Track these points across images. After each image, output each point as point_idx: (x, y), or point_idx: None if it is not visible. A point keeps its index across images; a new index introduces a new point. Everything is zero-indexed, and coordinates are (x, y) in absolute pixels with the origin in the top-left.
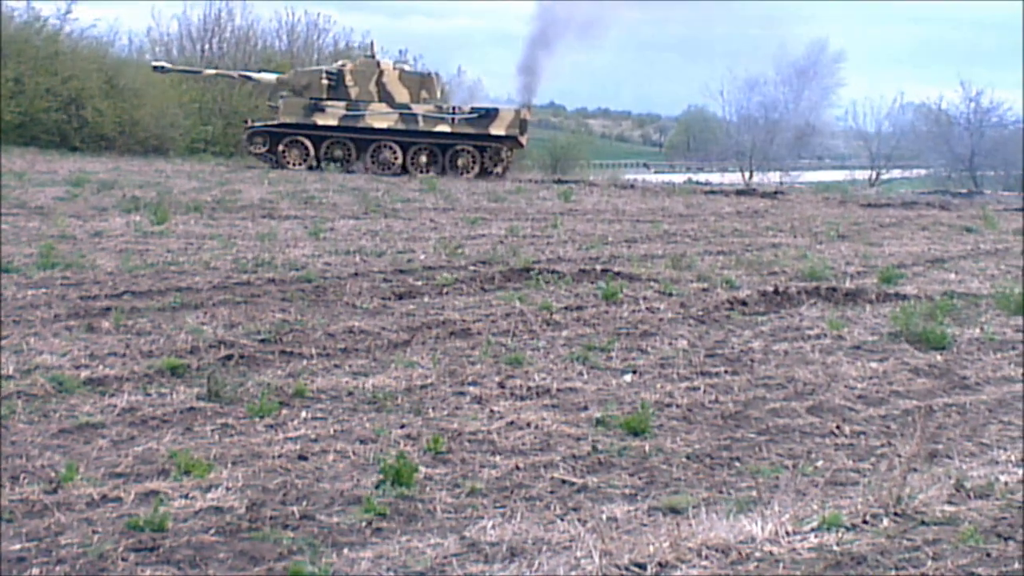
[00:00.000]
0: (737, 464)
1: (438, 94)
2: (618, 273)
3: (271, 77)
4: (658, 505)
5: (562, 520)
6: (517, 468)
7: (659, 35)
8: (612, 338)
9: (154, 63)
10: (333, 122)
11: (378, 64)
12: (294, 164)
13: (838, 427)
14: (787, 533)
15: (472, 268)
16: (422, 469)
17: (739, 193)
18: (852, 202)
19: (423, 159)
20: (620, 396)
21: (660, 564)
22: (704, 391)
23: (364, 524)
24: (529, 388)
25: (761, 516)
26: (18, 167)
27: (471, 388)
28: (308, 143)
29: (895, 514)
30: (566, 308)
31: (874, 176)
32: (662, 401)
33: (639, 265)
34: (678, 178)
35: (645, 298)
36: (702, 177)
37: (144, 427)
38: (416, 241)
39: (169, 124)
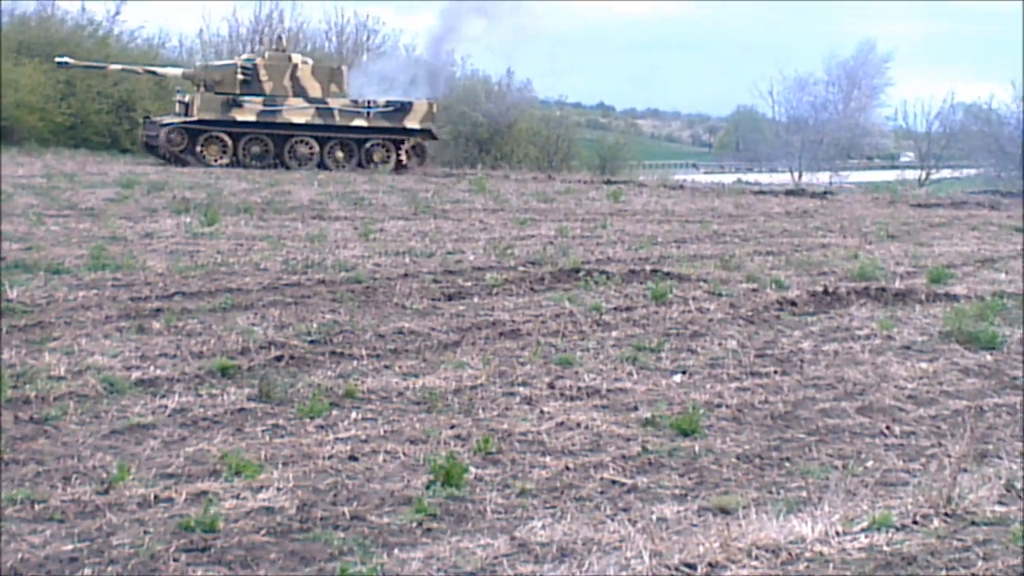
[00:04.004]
0: (787, 464)
1: (346, 87)
2: (667, 273)
3: (176, 71)
4: (708, 505)
5: (612, 520)
6: (567, 468)
7: (711, 35)
8: (662, 339)
9: (57, 59)
10: (252, 118)
11: (290, 58)
12: (214, 161)
13: (888, 427)
14: (837, 533)
15: (522, 269)
16: (472, 470)
17: (788, 193)
18: (902, 202)
19: (339, 154)
20: (670, 396)
21: (710, 564)
22: (754, 391)
23: (414, 524)
24: (579, 388)
25: (811, 516)
26: (69, 169)
27: (521, 389)
28: (227, 139)
29: (945, 514)
30: (616, 309)
31: (924, 176)
32: (712, 401)
33: (688, 265)
34: (727, 178)
35: (695, 298)
36: (751, 177)
37: (195, 428)
38: (465, 242)
39: None
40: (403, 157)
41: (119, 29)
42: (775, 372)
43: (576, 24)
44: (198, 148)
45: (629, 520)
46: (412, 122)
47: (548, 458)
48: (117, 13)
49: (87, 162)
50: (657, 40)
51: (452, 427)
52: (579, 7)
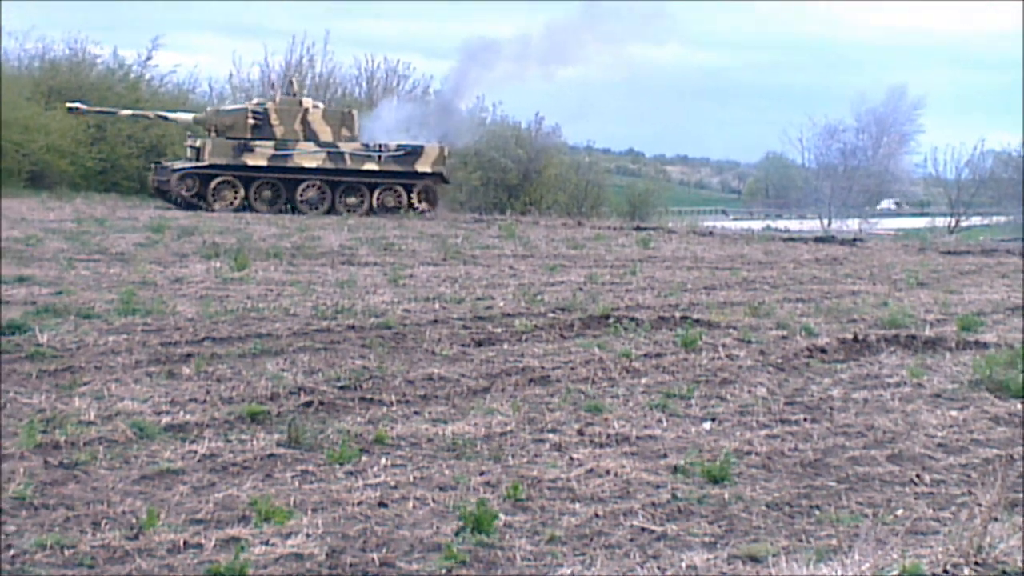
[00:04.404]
0: (817, 512)
1: (357, 131)
2: (697, 320)
3: (187, 117)
4: (738, 553)
5: (642, 568)
6: (596, 516)
7: (742, 81)
8: (691, 385)
9: (68, 104)
10: (263, 162)
11: (300, 102)
12: (226, 205)
13: (918, 476)
14: None
15: (551, 315)
16: (502, 516)
17: (818, 240)
18: (931, 249)
19: (351, 199)
20: (699, 444)
21: None
22: (783, 439)
23: (444, 571)
24: (608, 435)
25: (841, 565)
26: (99, 213)
27: (550, 435)
28: (238, 184)
29: (976, 564)
30: (645, 355)
31: (953, 223)
32: (741, 449)
33: (718, 312)
34: (757, 225)
35: (724, 345)
36: (781, 224)
37: (225, 473)
38: (495, 288)
39: None
40: (415, 200)
41: (150, 74)
42: (805, 419)
43: (605, 70)
44: (210, 193)
45: (659, 568)
46: (423, 166)
47: (578, 505)
48: (148, 58)
49: (117, 206)
50: (687, 86)
51: (482, 474)
52: (608, 53)
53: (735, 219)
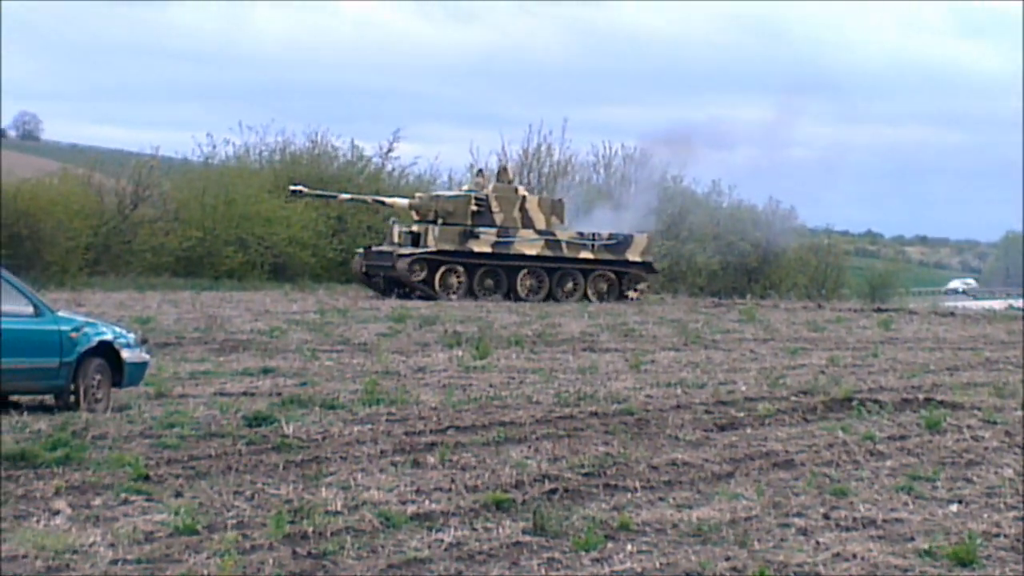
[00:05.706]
0: None
1: (566, 219)
2: (941, 402)
3: (403, 202)
4: None
5: None
6: None
7: (977, 161)
8: (937, 467)
9: (291, 187)
10: (487, 249)
11: (516, 190)
12: (450, 293)
13: None
14: None
15: (793, 398)
16: None
17: None
18: None
19: (567, 286)
20: (946, 526)
21: None
22: None
23: None
24: (854, 519)
25: None
26: (341, 304)
27: (796, 519)
28: (462, 270)
29: None
30: (889, 437)
31: None
32: (989, 531)
33: (962, 393)
34: (998, 304)
35: (969, 427)
36: (1022, 303)
37: (471, 562)
38: (736, 372)
39: None
40: (625, 288)
41: (391, 166)
42: None
43: (840, 150)
44: (437, 280)
45: None
46: (633, 254)
47: None
48: (390, 150)
49: (359, 297)
50: (924, 166)
51: (727, 559)
52: (844, 133)
53: (976, 299)
